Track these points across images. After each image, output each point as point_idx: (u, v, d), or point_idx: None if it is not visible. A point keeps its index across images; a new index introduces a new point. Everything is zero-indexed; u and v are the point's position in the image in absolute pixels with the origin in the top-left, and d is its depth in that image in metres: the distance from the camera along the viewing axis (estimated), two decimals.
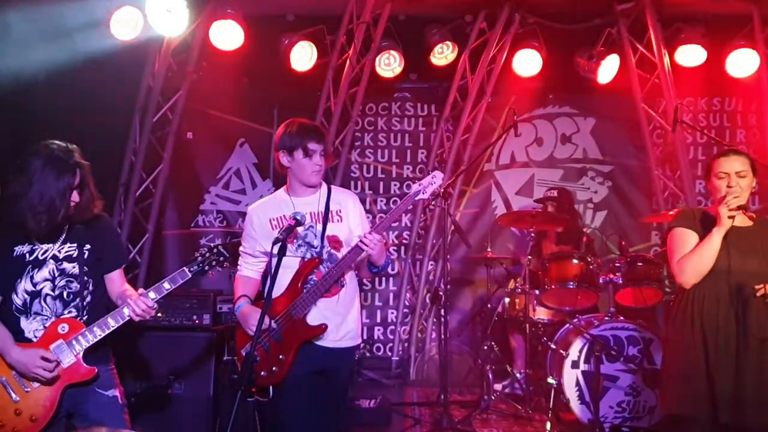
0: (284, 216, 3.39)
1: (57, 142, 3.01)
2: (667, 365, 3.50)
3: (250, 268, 3.54)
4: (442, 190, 4.82)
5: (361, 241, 3.22)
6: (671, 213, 5.71)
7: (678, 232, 3.43)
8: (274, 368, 3.25)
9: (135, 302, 2.93)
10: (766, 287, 3.19)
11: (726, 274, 3.27)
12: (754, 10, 6.31)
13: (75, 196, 2.97)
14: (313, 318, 3.32)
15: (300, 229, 3.35)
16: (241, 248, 3.55)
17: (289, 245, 3.27)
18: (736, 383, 3.18)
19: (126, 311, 2.94)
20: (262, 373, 3.26)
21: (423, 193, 3.34)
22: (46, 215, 2.89)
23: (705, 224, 3.36)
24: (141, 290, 2.99)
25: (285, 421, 3.27)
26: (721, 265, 3.26)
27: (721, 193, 3.34)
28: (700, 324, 3.28)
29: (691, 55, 6.43)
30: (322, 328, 3.29)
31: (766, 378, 3.19)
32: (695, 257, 3.29)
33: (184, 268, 3.02)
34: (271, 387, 3.26)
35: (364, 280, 3.76)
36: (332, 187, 3.56)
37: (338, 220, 3.44)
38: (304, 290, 3.30)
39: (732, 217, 3.24)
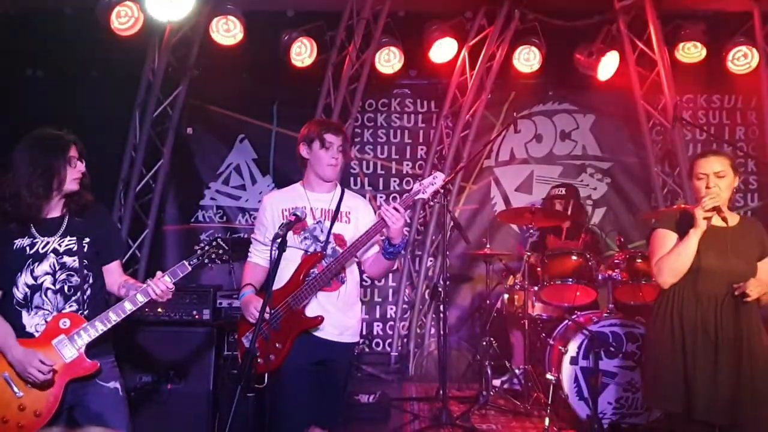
0: (296, 206, 3.44)
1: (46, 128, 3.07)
2: (648, 362, 3.57)
3: (259, 255, 3.58)
4: (442, 190, 4.83)
5: (382, 212, 3.28)
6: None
7: (659, 233, 3.49)
8: (271, 356, 3.32)
9: (155, 283, 2.96)
10: (742, 286, 3.23)
11: (705, 274, 3.31)
12: (754, 8, 6.31)
13: (81, 166, 3.01)
14: (313, 310, 3.37)
15: (309, 222, 3.43)
16: (252, 235, 3.62)
17: (295, 236, 3.39)
18: (713, 381, 3.23)
19: (140, 297, 2.96)
20: (259, 360, 3.33)
21: (423, 193, 3.38)
22: (42, 181, 2.92)
23: (685, 224, 3.39)
24: (159, 273, 3.01)
25: (283, 409, 3.31)
26: (700, 264, 3.30)
27: (701, 194, 3.38)
28: (680, 323, 3.33)
29: (691, 52, 6.44)
30: (318, 320, 3.34)
31: (743, 376, 3.23)
32: (672, 257, 3.34)
33: (184, 261, 3.04)
34: (266, 374, 3.32)
35: (364, 275, 3.78)
36: (346, 191, 3.64)
37: (346, 221, 3.52)
38: (305, 282, 3.35)
39: (708, 218, 3.28)
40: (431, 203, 6.60)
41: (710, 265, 3.30)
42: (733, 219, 3.43)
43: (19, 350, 2.86)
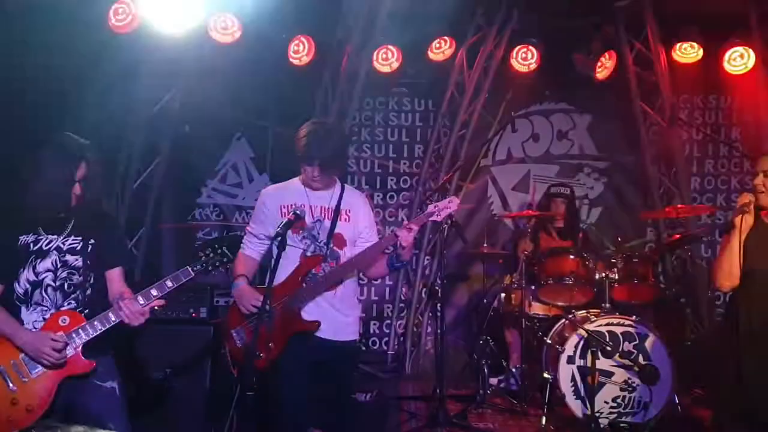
0: (294, 204, 3.42)
1: (71, 134, 3.06)
2: (715, 367, 3.57)
3: (253, 248, 3.59)
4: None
5: (396, 234, 3.26)
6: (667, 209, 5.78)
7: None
8: (260, 354, 3.27)
9: (125, 305, 2.90)
10: None
11: (761, 275, 3.29)
12: (750, 9, 6.33)
13: (77, 189, 2.99)
14: (310, 310, 3.35)
15: (308, 221, 3.40)
16: (248, 227, 3.62)
17: (294, 235, 3.36)
18: None
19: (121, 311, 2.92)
20: None
21: (437, 215, 3.35)
22: (44, 202, 2.93)
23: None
24: (155, 286, 2.97)
25: (281, 410, 3.28)
26: (754, 265, 3.29)
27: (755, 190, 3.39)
28: (736, 327, 3.32)
29: (688, 52, 6.47)
30: (314, 324, 3.32)
31: None
32: (716, 262, 3.39)
33: (188, 267, 3.01)
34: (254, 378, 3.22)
35: (360, 274, 3.79)
36: (346, 186, 3.60)
37: (346, 220, 3.49)
38: (304, 284, 3.33)
39: (740, 217, 3.27)
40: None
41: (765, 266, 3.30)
42: None
43: (29, 333, 2.87)
